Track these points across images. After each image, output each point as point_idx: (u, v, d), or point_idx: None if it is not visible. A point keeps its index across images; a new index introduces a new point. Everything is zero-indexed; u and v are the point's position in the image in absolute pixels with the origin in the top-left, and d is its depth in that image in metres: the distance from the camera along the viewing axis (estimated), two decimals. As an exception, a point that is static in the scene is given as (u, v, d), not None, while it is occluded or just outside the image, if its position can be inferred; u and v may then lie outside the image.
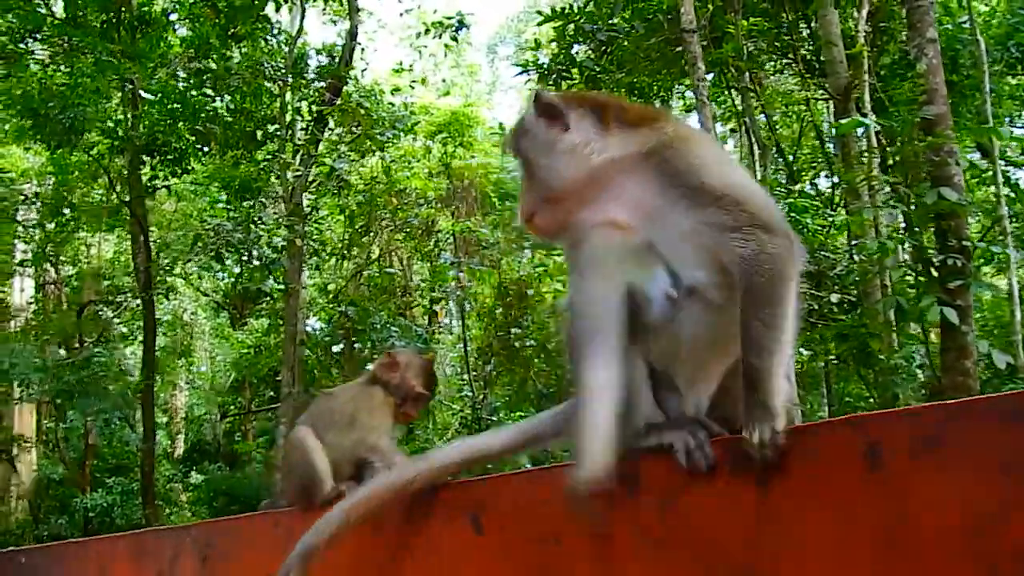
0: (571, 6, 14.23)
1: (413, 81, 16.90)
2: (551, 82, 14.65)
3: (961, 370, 9.96)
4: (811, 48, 15.57)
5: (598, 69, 14.15)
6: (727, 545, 2.11)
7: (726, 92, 16.54)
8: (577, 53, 14.20)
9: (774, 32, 15.42)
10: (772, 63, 16.24)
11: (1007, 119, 17.93)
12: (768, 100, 16.13)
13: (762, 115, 16.36)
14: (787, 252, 2.32)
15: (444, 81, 20.35)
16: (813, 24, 15.08)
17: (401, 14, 16.37)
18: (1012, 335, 12.10)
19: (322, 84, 15.99)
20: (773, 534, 2.03)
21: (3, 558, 4.77)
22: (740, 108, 15.81)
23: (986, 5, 18.74)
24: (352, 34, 16.29)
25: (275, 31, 16.01)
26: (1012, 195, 12.82)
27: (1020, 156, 15.98)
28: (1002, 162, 13.04)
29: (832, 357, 14.49)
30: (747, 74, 14.81)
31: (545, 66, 14.37)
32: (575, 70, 14.31)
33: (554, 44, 15.66)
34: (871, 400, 14.61)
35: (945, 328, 10.15)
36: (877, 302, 13.07)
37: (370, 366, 4.32)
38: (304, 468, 3.41)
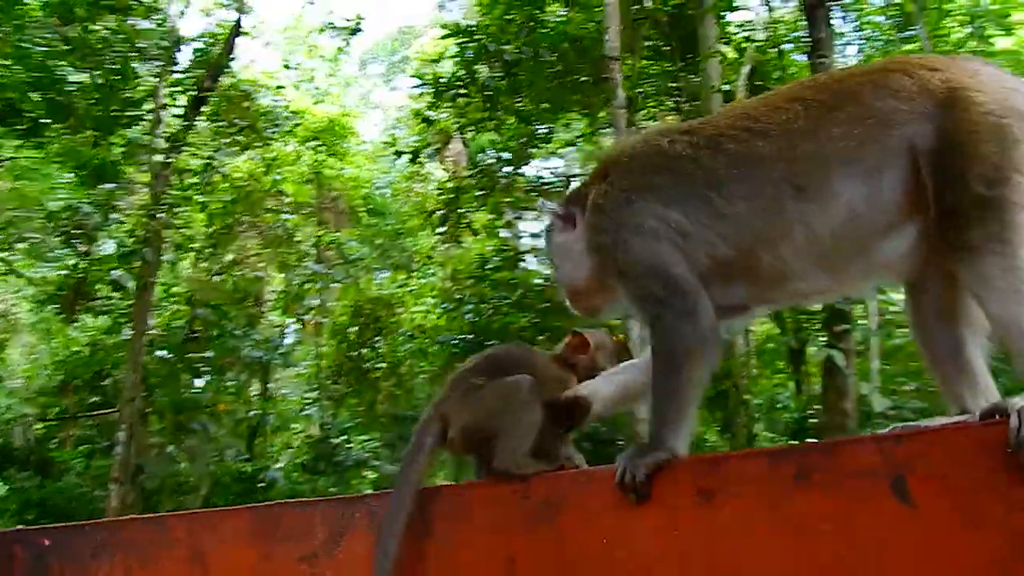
0: (477, 24, 14.15)
1: (301, 80, 16.26)
2: (449, 99, 14.47)
3: (841, 410, 10.39)
4: (686, 100, 16.15)
5: (496, 91, 14.07)
6: None
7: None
8: (479, 72, 14.06)
9: (662, 76, 15.97)
10: (656, 107, 16.74)
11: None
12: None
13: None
14: (681, 324, 2.54)
15: (318, 89, 19.70)
16: (694, 77, 15.64)
17: (303, 6, 15.75)
18: (870, 381, 12.87)
19: (201, 72, 15.07)
20: None
21: (14, 540, 3.61)
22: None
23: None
24: (237, 24, 15.50)
25: (152, 9, 15.00)
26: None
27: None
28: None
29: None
30: (637, 113, 15.18)
31: (444, 82, 14.14)
32: (473, 88, 14.17)
33: (443, 62, 15.57)
34: (729, 437, 15.14)
35: (827, 370, 10.61)
36: (742, 354, 13.65)
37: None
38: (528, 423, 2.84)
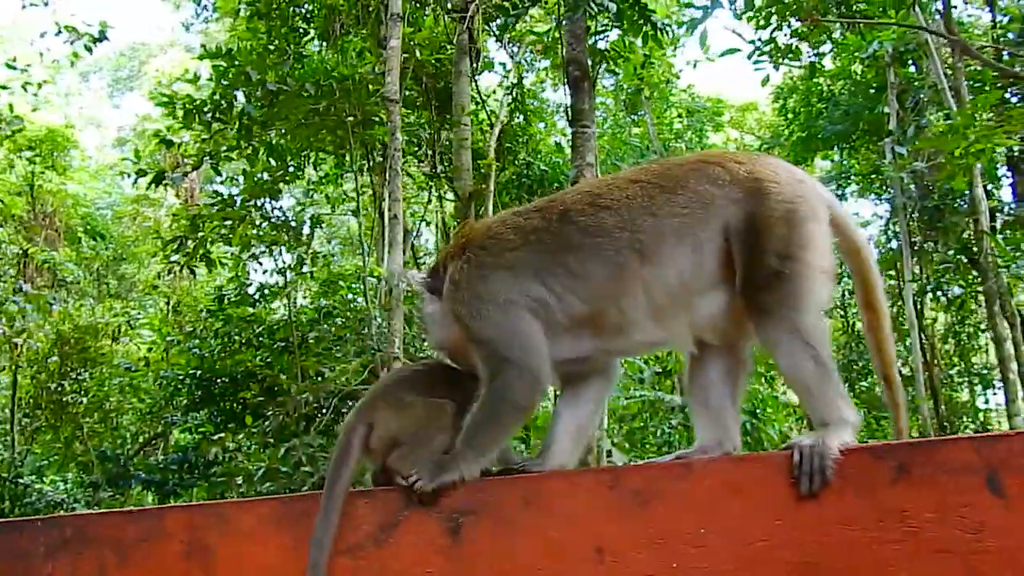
0: (237, 48, 13.61)
1: (27, 83, 14.68)
2: (197, 122, 13.70)
3: (583, 462, 10.98)
4: (437, 153, 16.59)
5: (252, 121, 13.57)
6: None
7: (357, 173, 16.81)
8: (235, 99, 13.48)
9: (416, 126, 16.31)
10: (410, 155, 16.99)
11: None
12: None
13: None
14: (522, 383, 2.89)
15: (36, 95, 17.87)
16: (449, 132, 16.10)
17: (24, 7, 14.27)
18: (601, 440, 13.76)
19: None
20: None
21: (33, 529, 2.97)
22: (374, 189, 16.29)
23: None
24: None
25: None
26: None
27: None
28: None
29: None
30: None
31: (197, 104, 13.39)
32: (228, 114, 13.56)
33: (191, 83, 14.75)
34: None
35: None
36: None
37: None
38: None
